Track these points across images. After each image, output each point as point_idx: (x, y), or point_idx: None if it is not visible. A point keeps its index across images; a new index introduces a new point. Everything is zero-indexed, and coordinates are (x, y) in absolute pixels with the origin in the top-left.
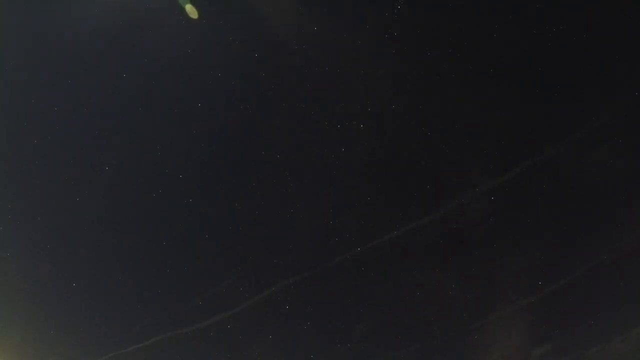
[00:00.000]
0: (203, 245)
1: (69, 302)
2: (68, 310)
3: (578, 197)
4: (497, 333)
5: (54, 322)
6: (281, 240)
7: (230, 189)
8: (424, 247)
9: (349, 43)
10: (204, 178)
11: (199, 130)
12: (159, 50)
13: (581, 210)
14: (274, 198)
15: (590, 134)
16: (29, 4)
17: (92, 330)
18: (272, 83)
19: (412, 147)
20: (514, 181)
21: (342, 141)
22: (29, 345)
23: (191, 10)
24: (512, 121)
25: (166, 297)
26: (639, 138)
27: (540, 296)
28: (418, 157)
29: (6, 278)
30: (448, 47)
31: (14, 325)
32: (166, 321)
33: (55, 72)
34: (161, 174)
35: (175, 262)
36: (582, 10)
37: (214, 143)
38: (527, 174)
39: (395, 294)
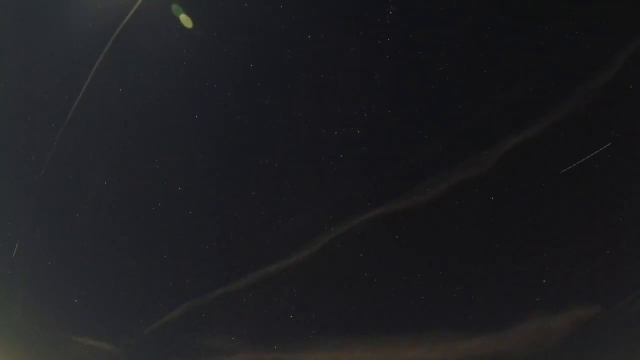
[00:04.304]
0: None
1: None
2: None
3: None
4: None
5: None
6: (280, 241)
7: (229, 193)
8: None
9: (343, 49)
10: (201, 184)
11: (195, 135)
12: (154, 60)
13: None
14: (272, 204)
15: None
16: (29, 8)
17: None
18: (267, 91)
19: (409, 149)
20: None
21: (339, 146)
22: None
23: (185, 20)
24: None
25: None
26: None
27: None
28: (415, 159)
29: None
30: (442, 50)
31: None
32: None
33: (56, 79)
34: (161, 178)
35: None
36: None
37: (211, 147)
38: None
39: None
